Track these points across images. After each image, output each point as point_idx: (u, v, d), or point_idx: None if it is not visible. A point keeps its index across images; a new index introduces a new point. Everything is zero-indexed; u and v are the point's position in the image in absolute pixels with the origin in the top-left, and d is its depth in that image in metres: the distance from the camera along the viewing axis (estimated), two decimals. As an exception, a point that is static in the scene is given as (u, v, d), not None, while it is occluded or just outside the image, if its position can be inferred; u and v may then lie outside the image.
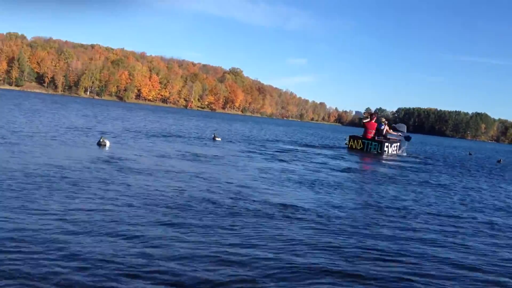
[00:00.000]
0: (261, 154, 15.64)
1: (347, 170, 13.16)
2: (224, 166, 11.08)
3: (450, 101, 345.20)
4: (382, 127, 22.13)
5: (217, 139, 19.52)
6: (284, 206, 6.92)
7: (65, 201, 5.86)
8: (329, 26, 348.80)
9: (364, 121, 22.32)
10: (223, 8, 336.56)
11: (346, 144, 23.42)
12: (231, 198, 7.14)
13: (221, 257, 4.31)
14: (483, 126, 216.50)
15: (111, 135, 16.35)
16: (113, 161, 9.71)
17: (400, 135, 24.30)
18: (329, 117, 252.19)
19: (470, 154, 34.98)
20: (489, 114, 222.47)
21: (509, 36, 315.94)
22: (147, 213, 5.68)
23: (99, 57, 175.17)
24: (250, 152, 15.96)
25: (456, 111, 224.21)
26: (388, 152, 21.63)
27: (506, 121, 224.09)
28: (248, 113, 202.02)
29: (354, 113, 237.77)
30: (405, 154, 23.61)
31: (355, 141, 21.99)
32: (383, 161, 18.14)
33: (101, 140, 12.36)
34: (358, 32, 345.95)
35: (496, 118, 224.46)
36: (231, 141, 20.32)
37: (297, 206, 6.98)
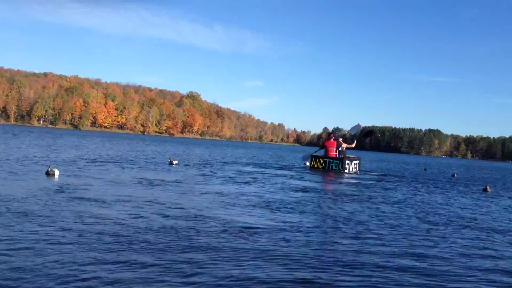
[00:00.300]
0: (219, 177, 15.42)
1: (305, 189, 13.11)
2: (181, 190, 10.81)
3: (404, 119, 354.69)
4: (340, 148, 22.60)
5: (174, 163, 19.18)
6: (241, 228, 6.76)
7: (6, 233, 5.51)
8: (285, 48, 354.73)
9: (324, 140, 23.14)
10: (179, 33, 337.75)
11: (304, 164, 23.82)
12: (186, 223, 6.91)
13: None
14: (436, 142, 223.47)
15: (64, 163, 15.81)
16: (61, 191, 9.31)
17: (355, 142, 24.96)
18: (288, 137, 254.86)
19: (425, 169, 35.77)
20: (441, 130, 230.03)
21: (458, 54, 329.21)
22: (93, 244, 5.40)
23: (52, 85, 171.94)
24: (208, 175, 15.72)
25: (410, 128, 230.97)
26: (349, 169, 22.11)
27: (458, 136, 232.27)
28: (207, 137, 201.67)
29: (311, 133, 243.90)
30: (359, 172, 23.88)
31: (317, 160, 22.40)
32: (342, 180, 18.25)
33: (49, 169, 11.88)
34: (313, 53, 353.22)
35: (449, 133, 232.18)
36: (188, 165, 20.03)
37: (253, 228, 6.83)
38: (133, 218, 7.01)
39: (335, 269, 4.98)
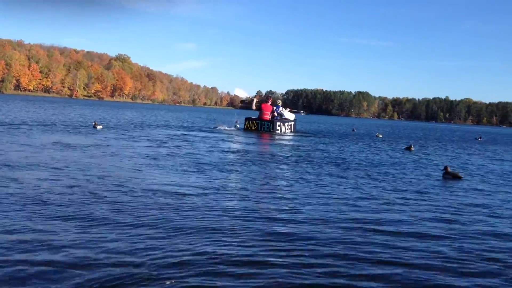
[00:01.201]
0: (147, 140, 15.04)
1: (237, 151, 13.10)
2: (103, 155, 10.42)
3: (335, 82, 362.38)
4: (280, 109, 23.83)
5: (98, 127, 18.45)
6: (169, 192, 6.60)
7: None
8: (218, 10, 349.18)
9: (258, 104, 24.45)
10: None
11: (235, 127, 24.23)
12: (110, 188, 6.65)
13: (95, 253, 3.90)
14: (365, 104, 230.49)
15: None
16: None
17: (295, 115, 26.14)
18: (221, 101, 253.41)
19: (353, 130, 36.81)
20: (370, 92, 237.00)
21: (388, 18, 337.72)
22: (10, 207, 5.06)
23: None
24: (135, 138, 15.29)
25: (340, 91, 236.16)
26: (280, 130, 23.35)
27: (385, 98, 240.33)
28: (139, 101, 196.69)
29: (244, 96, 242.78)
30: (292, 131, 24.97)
31: (251, 122, 23.33)
32: (276, 140, 18.48)
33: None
34: (247, 16, 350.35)
35: (377, 96, 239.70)
36: (113, 128, 19.38)
37: (182, 193, 6.69)
38: (51, 184, 6.65)
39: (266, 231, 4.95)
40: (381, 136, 28.31)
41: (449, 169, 10.16)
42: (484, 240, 5.02)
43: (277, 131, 22.80)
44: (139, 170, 8.37)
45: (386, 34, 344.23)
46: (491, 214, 6.46)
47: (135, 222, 4.85)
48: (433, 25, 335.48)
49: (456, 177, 9.86)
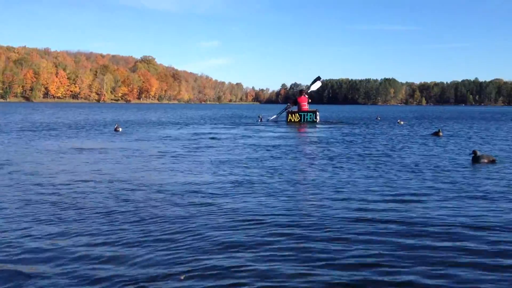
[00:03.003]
0: (170, 141, 15.31)
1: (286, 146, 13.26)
2: (118, 157, 10.71)
3: (360, 70, 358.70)
4: (310, 100, 26.33)
5: (119, 129, 18.84)
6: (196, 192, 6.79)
7: None
8: (239, 6, 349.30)
9: (297, 97, 26.30)
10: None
11: (261, 121, 28.32)
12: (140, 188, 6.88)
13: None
14: (392, 90, 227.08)
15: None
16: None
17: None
18: (246, 96, 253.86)
19: (377, 118, 36.45)
20: (397, 78, 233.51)
21: (410, 2, 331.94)
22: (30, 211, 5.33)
23: (0, 58, 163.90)
24: (154, 140, 15.60)
25: (366, 79, 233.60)
26: (318, 119, 25.65)
27: (412, 83, 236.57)
28: (165, 101, 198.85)
29: (270, 90, 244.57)
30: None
31: (293, 115, 25.31)
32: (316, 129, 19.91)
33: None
34: (269, 10, 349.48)
35: (404, 81, 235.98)
36: (138, 131, 19.72)
37: (198, 191, 6.88)
38: (69, 185, 6.94)
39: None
40: (402, 123, 27.97)
41: (478, 153, 9.67)
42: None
43: (317, 120, 25.14)
44: (171, 170, 8.60)
45: (409, 19, 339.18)
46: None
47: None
48: (456, 6, 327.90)
49: (490, 161, 9.50)
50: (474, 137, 17.05)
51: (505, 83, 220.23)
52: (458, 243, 4.20)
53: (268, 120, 28.42)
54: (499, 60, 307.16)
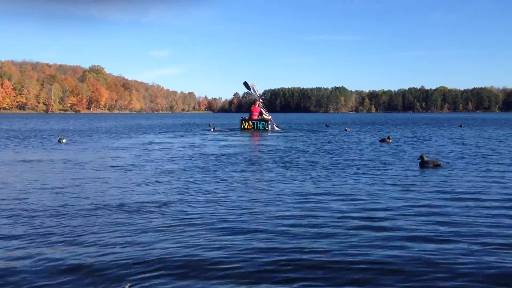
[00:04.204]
0: (113, 149, 14.91)
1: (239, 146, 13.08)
2: (69, 169, 10.29)
3: (311, 79, 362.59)
4: (264, 110, 27.58)
5: (63, 141, 18.17)
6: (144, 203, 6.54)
7: None
8: (189, 15, 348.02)
9: (250, 106, 28.01)
10: (75, 4, 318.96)
11: (210, 130, 28.23)
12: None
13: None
14: (342, 99, 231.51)
15: None
16: None
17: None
18: (199, 106, 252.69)
19: (327, 126, 36.98)
20: (347, 87, 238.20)
21: (355, 12, 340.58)
22: None
23: None
24: (96, 149, 15.15)
25: (317, 87, 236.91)
26: (270, 127, 26.85)
27: (362, 91, 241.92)
28: (116, 111, 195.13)
29: (223, 99, 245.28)
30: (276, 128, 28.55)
31: (247, 122, 26.72)
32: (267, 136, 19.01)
33: None
34: (218, 20, 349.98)
35: (353, 90, 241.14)
36: (79, 143, 19.05)
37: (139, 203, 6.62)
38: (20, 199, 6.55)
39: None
40: (348, 129, 28.75)
41: (425, 158, 10.04)
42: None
43: (268, 128, 26.40)
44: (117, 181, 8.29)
45: (355, 29, 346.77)
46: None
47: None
48: (401, 17, 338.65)
49: (435, 165, 9.80)
50: (421, 143, 17.53)
51: (450, 90, 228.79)
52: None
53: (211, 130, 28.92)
54: (443, 68, 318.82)
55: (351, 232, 4.71)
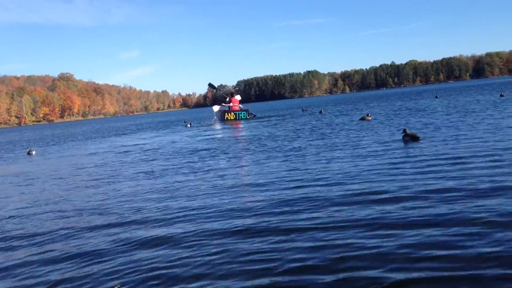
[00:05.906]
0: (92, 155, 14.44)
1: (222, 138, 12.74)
2: (33, 183, 9.86)
3: (284, 66, 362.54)
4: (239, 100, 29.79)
5: (32, 153, 17.49)
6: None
7: None
8: (154, 12, 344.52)
9: (231, 97, 29.41)
10: (38, 13, 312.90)
11: (186, 126, 28.14)
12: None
13: None
14: (316, 82, 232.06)
15: None
16: None
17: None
18: (174, 103, 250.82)
19: (303, 110, 36.75)
20: (319, 70, 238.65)
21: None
22: None
23: None
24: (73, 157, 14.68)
25: (290, 73, 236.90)
26: (250, 116, 28.77)
27: (334, 73, 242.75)
28: (90, 117, 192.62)
29: (197, 94, 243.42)
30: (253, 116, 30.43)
31: (229, 114, 28.35)
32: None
33: None
34: (184, 15, 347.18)
35: (326, 72, 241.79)
36: (50, 153, 18.37)
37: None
38: None
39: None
40: (322, 111, 28.52)
41: (408, 131, 10.08)
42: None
43: (251, 116, 28.65)
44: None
45: (322, 12, 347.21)
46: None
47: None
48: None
49: (414, 138, 9.75)
50: (399, 117, 17.45)
51: (420, 63, 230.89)
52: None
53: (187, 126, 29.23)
54: (412, 42, 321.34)
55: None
